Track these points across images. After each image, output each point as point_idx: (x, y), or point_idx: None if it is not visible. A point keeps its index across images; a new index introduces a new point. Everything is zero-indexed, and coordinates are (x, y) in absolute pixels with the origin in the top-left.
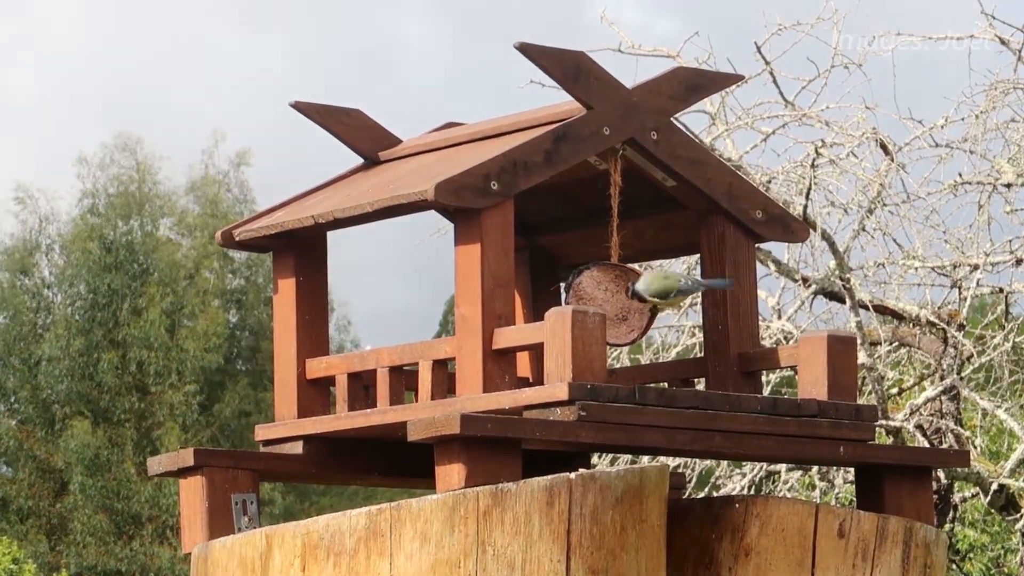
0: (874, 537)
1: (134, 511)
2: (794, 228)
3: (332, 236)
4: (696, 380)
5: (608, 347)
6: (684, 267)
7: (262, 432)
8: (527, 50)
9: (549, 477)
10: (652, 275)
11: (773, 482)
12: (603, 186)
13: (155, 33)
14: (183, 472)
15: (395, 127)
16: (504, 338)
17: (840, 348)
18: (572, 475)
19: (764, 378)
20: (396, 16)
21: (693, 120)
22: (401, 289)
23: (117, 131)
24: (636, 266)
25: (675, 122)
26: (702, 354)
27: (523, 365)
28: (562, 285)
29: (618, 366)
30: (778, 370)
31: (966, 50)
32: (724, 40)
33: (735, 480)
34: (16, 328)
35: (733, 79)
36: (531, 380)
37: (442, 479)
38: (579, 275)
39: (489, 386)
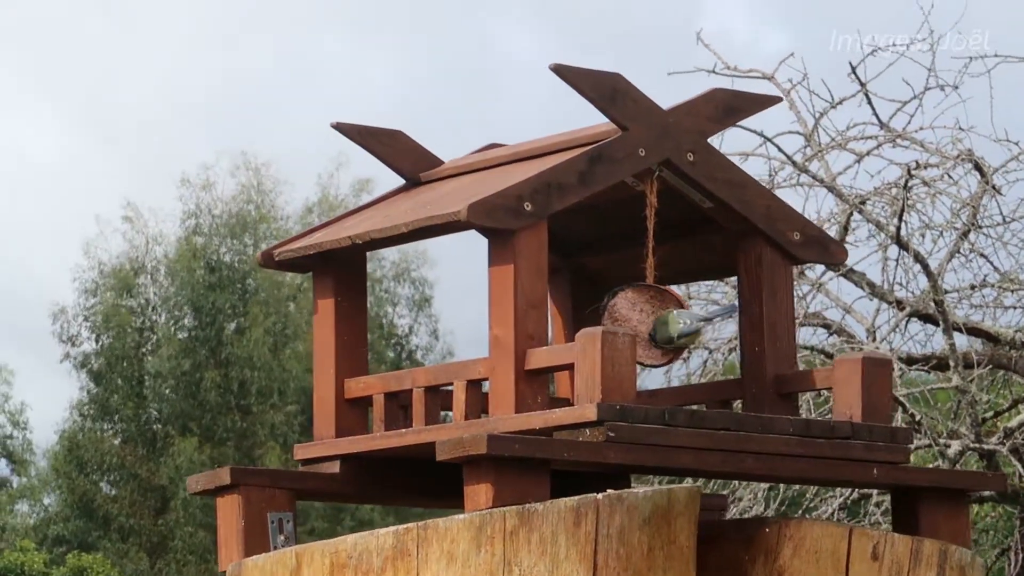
0: (908, 560)
1: None
2: (832, 250)
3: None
4: (735, 401)
5: (644, 367)
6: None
7: (300, 451)
8: (563, 72)
9: (576, 497)
10: (659, 319)
11: (864, 505)
12: (643, 207)
13: (267, 50)
14: (220, 491)
15: (502, 140)
16: (536, 359)
17: (875, 370)
18: (599, 496)
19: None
20: (503, 32)
21: (787, 141)
22: None
23: (231, 148)
24: (673, 287)
25: (711, 144)
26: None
27: (565, 385)
28: (599, 306)
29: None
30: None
31: None
32: (822, 60)
33: (828, 503)
34: (120, 347)
35: (771, 101)
36: (571, 401)
37: (470, 499)
38: (614, 296)
39: (521, 406)
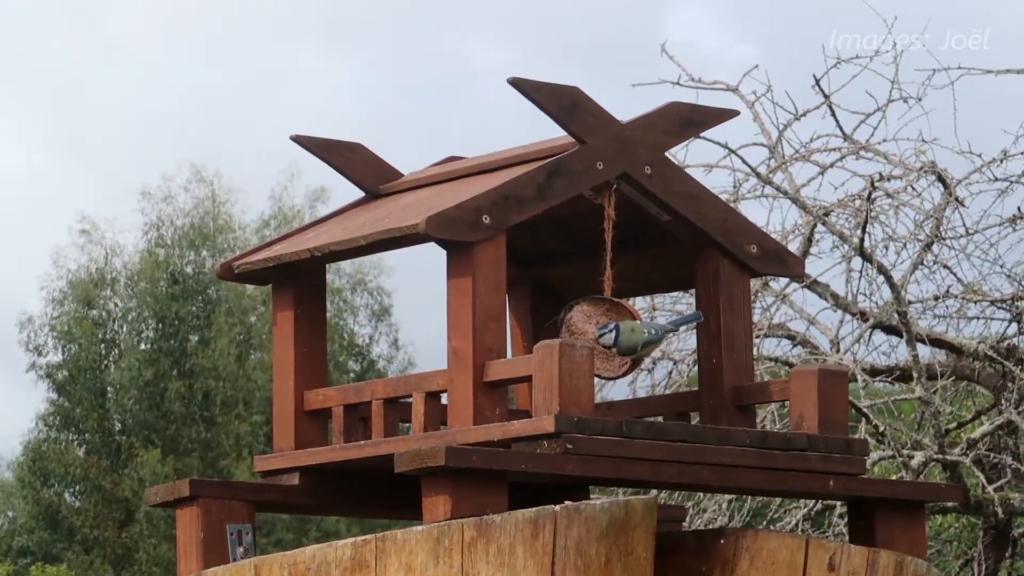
0: (864, 571)
1: None
2: (790, 263)
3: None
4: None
5: (603, 380)
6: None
7: (260, 463)
8: (521, 85)
9: (534, 509)
10: (623, 328)
11: (828, 516)
12: (601, 220)
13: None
14: (179, 503)
15: (467, 154)
16: (494, 371)
17: (831, 383)
18: (557, 507)
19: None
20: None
21: (751, 153)
22: None
23: (191, 162)
24: (627, 300)
25: (670, 157)
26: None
27: (525, 397)
28: (557, 319)
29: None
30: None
31: None
32: (787, 71)
33: (793, 513)
34: (83, 358)
35: (729, 114)
36: (530, 413)
37: (428, 510)
38: (570, 310)
39: (480, 418)
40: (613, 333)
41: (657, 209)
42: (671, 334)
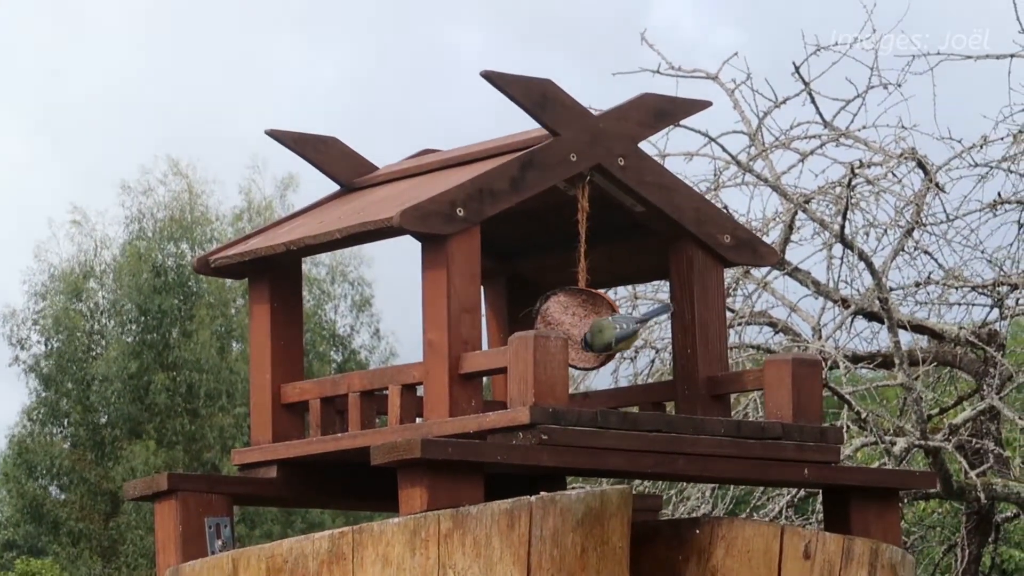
0: (840, 558)
1: None
2: (762, 252)
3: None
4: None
5: (579, 371)
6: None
7: (238, 456)
8: (494, 78)
9: (510, 500)
10: (594, 325)
11: (812, 503)
12: (576, 212)
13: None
14: (158, 496)
15: (447, 144)
16: (470, 363)
17: (805, 371)
18: (533, 498)
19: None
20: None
21: (731, 141)
22: None
23: (167, 154)
24: (603, 291)
25: (650, 144)
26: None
27: (501, 388)
28: (532, 310)
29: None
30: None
31: (1006, 69)
32: (769, 59)
33: (776, 501)
34: (69, 350)
35: (702, 105)
36: (505, 404)
37: (405, 502)
38: (546, 300)
39: (455, 410)
40: (587, 334)
41: (631, 200)
42: (644, 326)
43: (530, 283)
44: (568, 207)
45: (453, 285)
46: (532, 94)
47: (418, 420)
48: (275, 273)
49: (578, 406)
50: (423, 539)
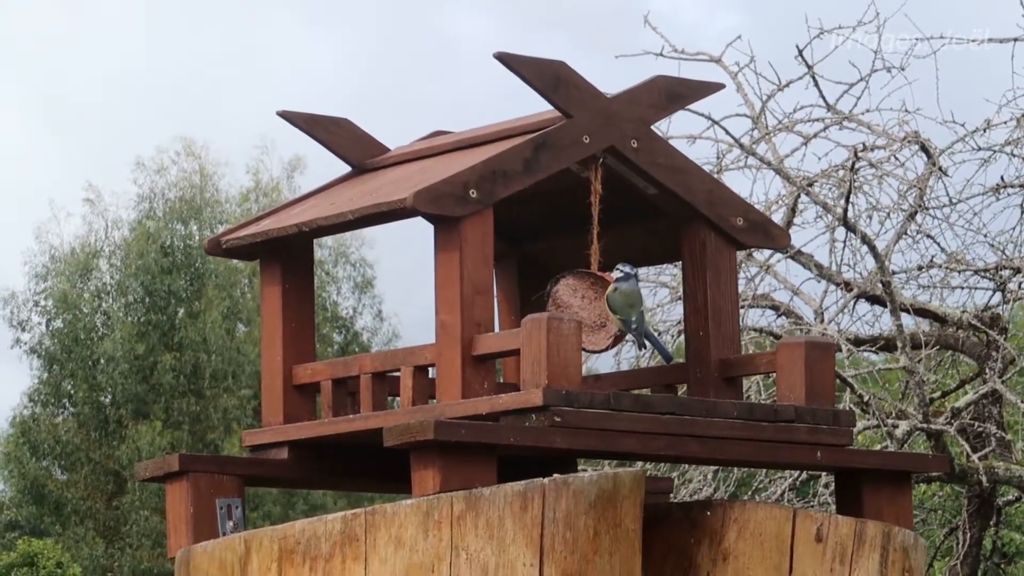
0: (852, 541)
1: None
2: (775, 235)
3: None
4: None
5: (588, 353)
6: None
7: (249, 438)
8: (506, 60)
9: (523, 482)
10: (623, 299)
11: (813, 486)
12: (588, 194)
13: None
14: (169, 477)
15: (457, 126)
16: (482, 344)
17: (818, 354)
18: (546, 480)
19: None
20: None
21: (735, 124)
22: None
23: (177, 135)
24: (610, 274)
25: (655, 130)
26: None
27: (512, 371)
28: (543, 293)
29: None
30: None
31: (1009, 52)
32: (772, 42)
33: (778, 484)
34: (73, 331)
35: (713, 88)
36: (518, 386)
37: (417, 484)
38: (556, 283)
39: (468, 392)
40: (631, 279)
41: (643, 183)
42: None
43: (542, 265)
44: (581, 189)
45: (466, 267)
46: (545, 76)
47: (430, 402)
48: (287, 254)
49: (590, 388)
50: (436, 521)
